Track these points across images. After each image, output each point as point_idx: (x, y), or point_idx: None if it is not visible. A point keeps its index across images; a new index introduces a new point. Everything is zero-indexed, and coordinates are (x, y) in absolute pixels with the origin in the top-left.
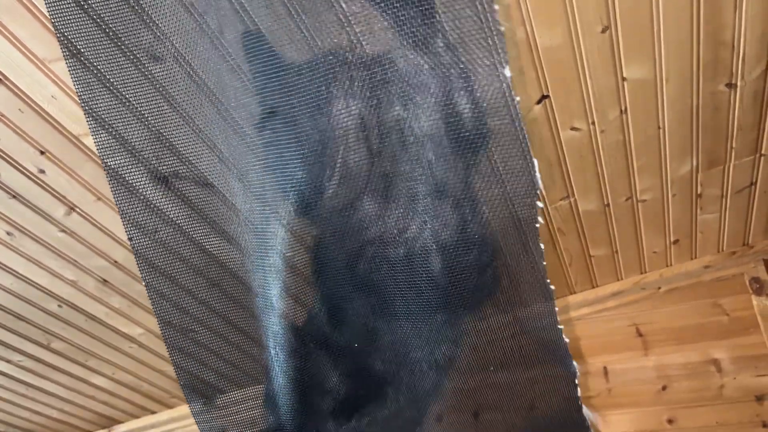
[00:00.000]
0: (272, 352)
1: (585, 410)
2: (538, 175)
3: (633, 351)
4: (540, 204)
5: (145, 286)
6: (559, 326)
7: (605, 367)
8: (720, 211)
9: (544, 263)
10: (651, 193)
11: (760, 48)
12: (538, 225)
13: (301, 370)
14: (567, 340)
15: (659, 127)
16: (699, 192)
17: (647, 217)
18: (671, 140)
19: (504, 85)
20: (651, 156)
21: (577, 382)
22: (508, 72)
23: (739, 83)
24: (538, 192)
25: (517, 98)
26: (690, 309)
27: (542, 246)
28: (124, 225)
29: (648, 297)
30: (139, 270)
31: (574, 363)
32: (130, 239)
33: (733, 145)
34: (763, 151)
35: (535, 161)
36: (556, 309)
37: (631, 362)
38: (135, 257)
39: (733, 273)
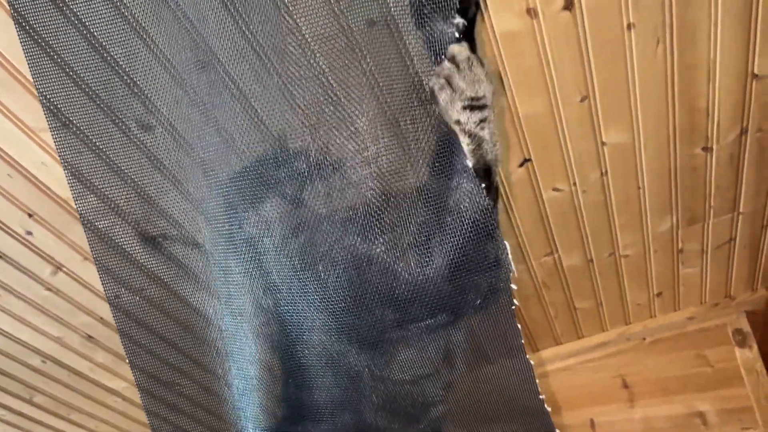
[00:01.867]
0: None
1: None
2: (509, 258)
3: (619, 403)
4: (514, 286)
5: (122, 337)
6: (540, 397)
7: (592, 420)
8: (701, 265)
9: (521, 341)
10: (633, 249)
11: (734, 114)
12: (513, 307)
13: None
14: (547, 408)
15: (639, 188)
16: (680, 247)
17: (630, 271)
18: (651, 199)
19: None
20: (632, 214)
21: None
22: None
23: (714, 147)
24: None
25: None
26: (674, 360)
27: (519, 327)
28: (102, 282)
29: (633, 348)
30: (117, 324)
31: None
32: (112, 298)
33: (712, 204)
34: (740, 209)
35: (507, 245)
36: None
37: (618, 414)
38: (115, 316)
39: (716, 324)
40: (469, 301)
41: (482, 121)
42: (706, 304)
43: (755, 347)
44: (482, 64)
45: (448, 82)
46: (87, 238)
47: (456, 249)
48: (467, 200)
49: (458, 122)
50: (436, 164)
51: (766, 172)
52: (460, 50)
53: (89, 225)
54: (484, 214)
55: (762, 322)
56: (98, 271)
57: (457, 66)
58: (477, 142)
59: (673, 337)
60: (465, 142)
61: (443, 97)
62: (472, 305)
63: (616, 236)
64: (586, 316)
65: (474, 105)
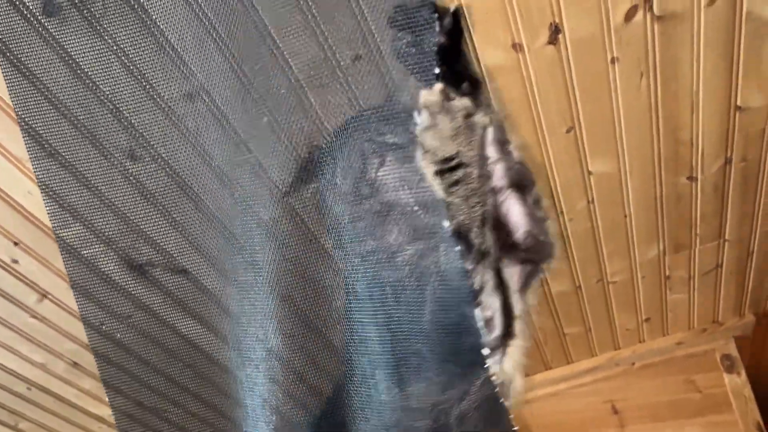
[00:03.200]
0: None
1: None
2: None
3: (610, 428)
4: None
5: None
6: None
7: None
8: (689, 291)
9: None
10: (621, 276)
11: (718, 144)
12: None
13: None
14: None
15: (626, 216)
16: (667, 274)
17: (618, 297)
18: (638, 227)
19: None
20: (619, 242)
21: None
22: None
23: (699, 176)
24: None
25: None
26: (664, 385)
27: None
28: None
29: (622, 373)
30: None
31: None
32: (97, 326)
33: (698, 232)
34: (726, 237)
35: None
36: None
37: None
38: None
39: (704, 350)
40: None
41: (456, 183)
42: (694, 330)
43: (743, 373)
44: (474, 95)
45: (421, 140)
46: (66, 266)
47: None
48: (444, 261)
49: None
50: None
51: (750, 201)
52: (430, 95)
53: (71, 253)
54: (459, 277)
55: (750, 348)
56: (77, 300)
57: (430, 117)
58: (447, 204)
59: (662, 362)
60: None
61: (418, 156)
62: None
63: (604, 263)
64: (576, 342)
65: (444, 169)
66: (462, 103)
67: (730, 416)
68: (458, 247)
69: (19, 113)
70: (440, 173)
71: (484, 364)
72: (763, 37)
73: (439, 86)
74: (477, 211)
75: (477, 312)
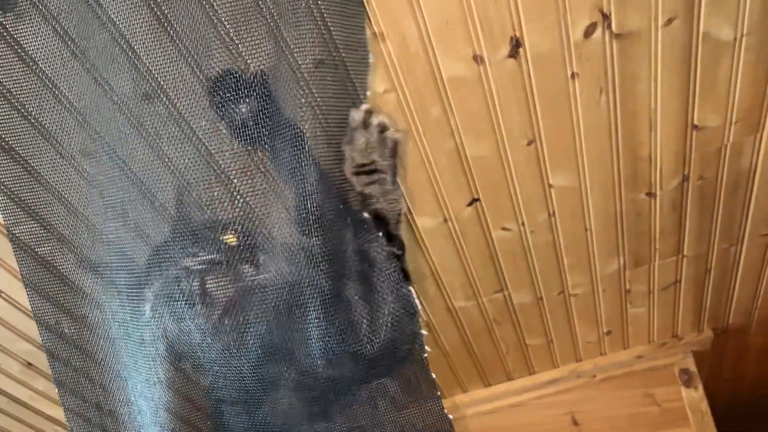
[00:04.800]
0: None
1: None
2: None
3: None
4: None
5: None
6: None
7: None
8: (648, 305)
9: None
10: (582, 288)
11: (676, 162)
12: (426, 355)
13: None
14: None
15: (586, 229)
16: (628, 288)
17: (579, 310)
18: (598, 241)
19: None
20: (580, 255)
21: None
22: None
23: (658, 193)
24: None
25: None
26: (623, 398)
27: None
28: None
29: (584, 385)
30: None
31: None
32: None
33: (657, 247)
34: (684, 253)
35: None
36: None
37: None
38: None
39: (664, 363)
40: (387, 346)
41: (372, 182)
42: (654, 343)
43: (701, 387)
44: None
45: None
46: (19, 264)
47: (366, 295)
48: (369, 248)
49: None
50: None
51: (708, 218)
52: (356, 114)
53: (24, 250)
54: (386, 261)
55: (708, 363)
56: (32, 297)
57: (353, 131)
58: (363, 197)
59: (623, 375)
60: (354, 197)
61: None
62: (391, 354)
63: (565, 276)
64: (538, 353)
65: (362, 171)
66: (378, 119)
67: (687, 430)
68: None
69: None
70: (357, 174)
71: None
72: (719, 58)
73: (364, 106)
74: (396, 204)
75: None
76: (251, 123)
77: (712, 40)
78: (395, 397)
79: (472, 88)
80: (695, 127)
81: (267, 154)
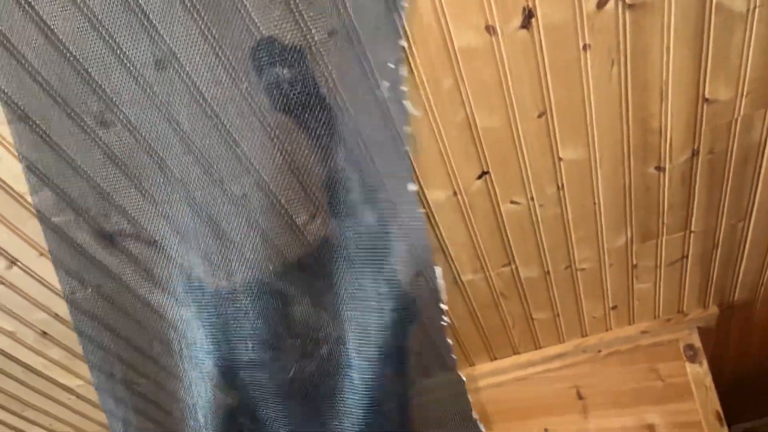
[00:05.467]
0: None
1: None
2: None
3: (573, 414)
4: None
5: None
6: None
7: (546, 429)
8: (655, 280)
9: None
10: (589, 263)
11: (686, 136)
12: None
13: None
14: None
15: (595, 203)
16: (634, 263)
17: (586, 284)
18: (606, 215)
19: None
20: (588, 229)
21: None
22: None
23: (667, 166)
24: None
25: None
26: (628, 373)
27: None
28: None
29: (589, 360)
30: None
31: None
32: (68, 293)
33: (665, 221)
34: (692, 228)
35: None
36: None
37: (572, 425)
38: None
39: (668, 339)
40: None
41: None
42: (659, 319)
43: (705, 363)
44: None
45: None
46: (43, 232)
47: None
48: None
49: None
50: None
51: (717, 193)
52: None
53: (45, 220)
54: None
55: (713, 339)
56: (54, 266)
57: None
58: None
59: (628, 350)
60: None
61: None
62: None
63: (573, 250)
64: (544, 327)
65: None
66: None
67: (690, 405)
68: None
69: None
70: None
71: None
72: (732, 30)
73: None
74: None
75: None
76: (290, 90)
77: (724, 10)
78: None
79: (484, 58)
80: (706, 100)
81: (300, 124)
